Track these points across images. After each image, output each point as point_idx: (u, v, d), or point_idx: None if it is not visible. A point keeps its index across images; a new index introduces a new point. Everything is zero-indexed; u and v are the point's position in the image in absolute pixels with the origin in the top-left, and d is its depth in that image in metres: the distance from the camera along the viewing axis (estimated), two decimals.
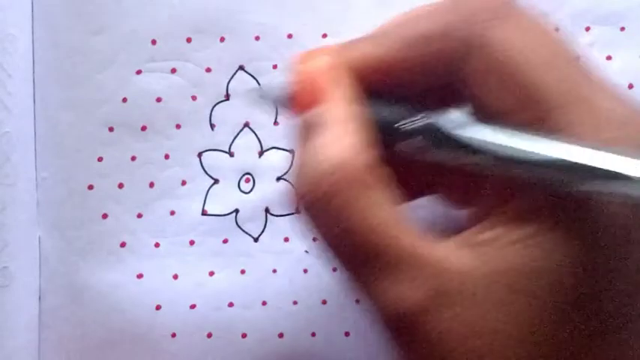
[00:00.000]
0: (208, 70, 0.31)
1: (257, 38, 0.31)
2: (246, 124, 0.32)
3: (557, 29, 0.31)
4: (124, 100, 0.30)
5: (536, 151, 0.22)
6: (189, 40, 0.31)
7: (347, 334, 0.32)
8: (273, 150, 0.32)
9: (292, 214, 0.32)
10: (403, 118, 0.24)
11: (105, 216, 0.30)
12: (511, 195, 0.23)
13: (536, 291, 0.21)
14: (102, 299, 0.30)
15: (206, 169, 0.31)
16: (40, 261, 0.30)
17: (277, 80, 0.27)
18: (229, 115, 0.31)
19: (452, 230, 0.24)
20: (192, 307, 0.31)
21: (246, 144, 0.32)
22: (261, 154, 0.32)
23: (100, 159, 0.30)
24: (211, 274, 0.31)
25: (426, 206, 0.29)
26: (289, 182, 0.32)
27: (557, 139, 0.22)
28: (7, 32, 0.29)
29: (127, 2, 0.30)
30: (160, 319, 0.31)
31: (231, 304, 0.32)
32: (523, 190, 0.22)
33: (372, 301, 0.23)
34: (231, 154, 0.32)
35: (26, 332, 0.30)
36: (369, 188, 0.23)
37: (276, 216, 0.32)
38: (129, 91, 0.30)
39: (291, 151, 0.32)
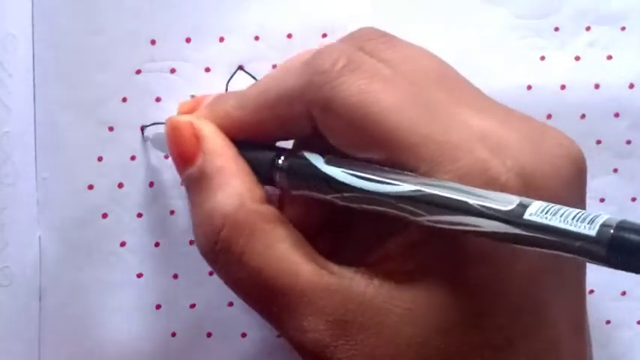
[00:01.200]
0: (208, 70, 0.31)
1: (257, 38, 0.31)
2: None
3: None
4: (124, 100, 0.30)
5: (393, 184, 0.23)
6: (188, 40, 0.31)
7: None
8: None
9: None
10: (273, 157, 0.26)
11: (105, 216, 0.30)
12: (397, 229, 0.24)
13: (419, 320, 0.23)
14: (102, 299, 0.30)
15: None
16: (40, 261, 0.30)
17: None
18: None
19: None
20: (192, 306, 0.31)
21: None
22: None
23: (100, 159, 0.30)
24: (211, 273, 0.31)
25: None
26: None
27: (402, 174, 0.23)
28: (7, 32, 0.29)
29: (127, 2, 0.30)
30: (160, 319, 0.31)
31: (231, 304, 0.32)
32: (406, 225, 0.24)
33: (285, 337, 0.25)
34: None
35: (26, 332, 0.30)
36: (264, 228, 0.25)
37: None
38: (129, 91, 0.30)
39: None
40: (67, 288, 0.30)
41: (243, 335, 0.32)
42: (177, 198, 0.31)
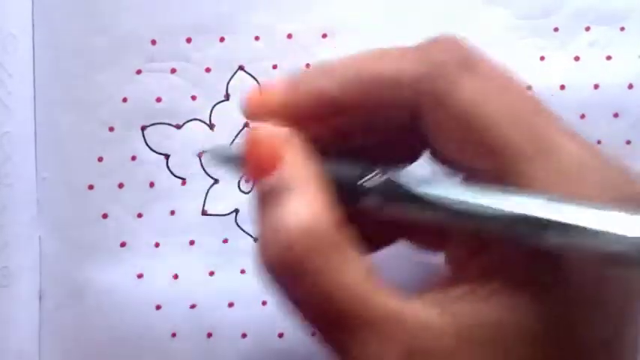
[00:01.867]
0: (208, 70, 0.31)
1: (257, 38, 0.31)
2: (246, 124, 0.32)
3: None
4: (124, 100, 0.30)
5: (496, 206, 0.21)
6: (189, 40, 0.31)
7: None
8: None
9: None
10: (360, 175, 0.24)
11: (105, 216, 0.30)
12: (478, 250, 0.23)
13: (505, 344, 0.22)
14: (102, 299, 0.30)
15: (206, 169, 0.31)
16: (40, 261, 0.30)
17: (227, 142, 0.28)
18: (229, 115, 0.31)
19: (421, 282, 0.25)
20: (192, 307, 0.31)
21: None
22: None
23: (100, 159, 0.30)
24: (211, 274, 0.31)
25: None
26: None
27: (519, 191, 0.22)
28: (7, 32, 0.29)
29: (127, 2, 0.30)
30: (160, 319, 0.31)
31: (231, 304, 0.32)
32: (489, 244, 0.23)
33: None
34: None
35: (26, 332, 0.30)
36: (339, 250, 0.23)
37: None
38: (129, 91, 0.30)
39: None
40: (66, 288, 0.30)
41: (244, 335, 0.32)
42: (178, 198, 0.31)
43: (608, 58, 0.34)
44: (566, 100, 0.33)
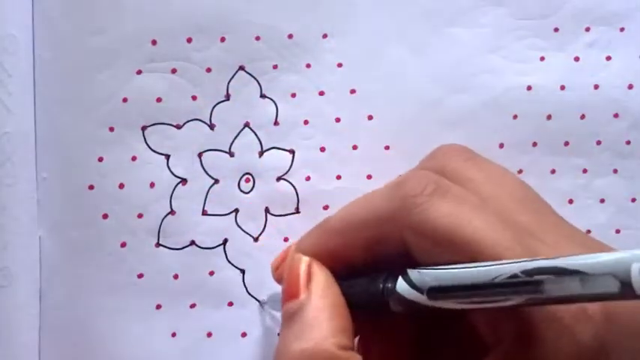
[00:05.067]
0: (208, 70, 0.31)
1: (257, 38, 0.31)
2: (246, 124, 0.32)
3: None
4: (124, 100, 0.30)
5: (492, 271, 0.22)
6: (189, 40, 0.31)
7: None
8: (273, 150, 0.32)
9: (292, 214, 0.32)
10: (380, 285, 0.25)
11: (105, 216, 0.30)
12: (499, 318, 0.24)
13: None
14: (102, 299, 0.30)
15: (206, 169, 0.31)
16: (40, 261, 0.30)
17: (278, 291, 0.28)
18: (229, 115, 0.31)
19: None
20: (192, 306, 0.31)
21: (246, 144, 0.32)
22: (261, 154, 0.32)
23: (100, 159, 0.30)
24: (211, 274, 0.31)
25: None
26: (289, 182, 0.32)
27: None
28: (7, 32, 0.29)
29: (127, 2, 0.30)
30: (160, 319, 0.31)
31: (231, 304, 0.32)
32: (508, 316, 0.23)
33: None
34: (231, 154, 0.32)
35: (26, 332, 0.30)
36: None
37: (276, 216, 0.32)
38: (129, 91, 0.30)
39: (291, 151, 0.32)
40: (67, 288, 0.30)
41: (243, 335, 0.32)
42: (178, 198, 0.31)
43: (608, 58, 0.34)
44: (566, 100, 0.33)
